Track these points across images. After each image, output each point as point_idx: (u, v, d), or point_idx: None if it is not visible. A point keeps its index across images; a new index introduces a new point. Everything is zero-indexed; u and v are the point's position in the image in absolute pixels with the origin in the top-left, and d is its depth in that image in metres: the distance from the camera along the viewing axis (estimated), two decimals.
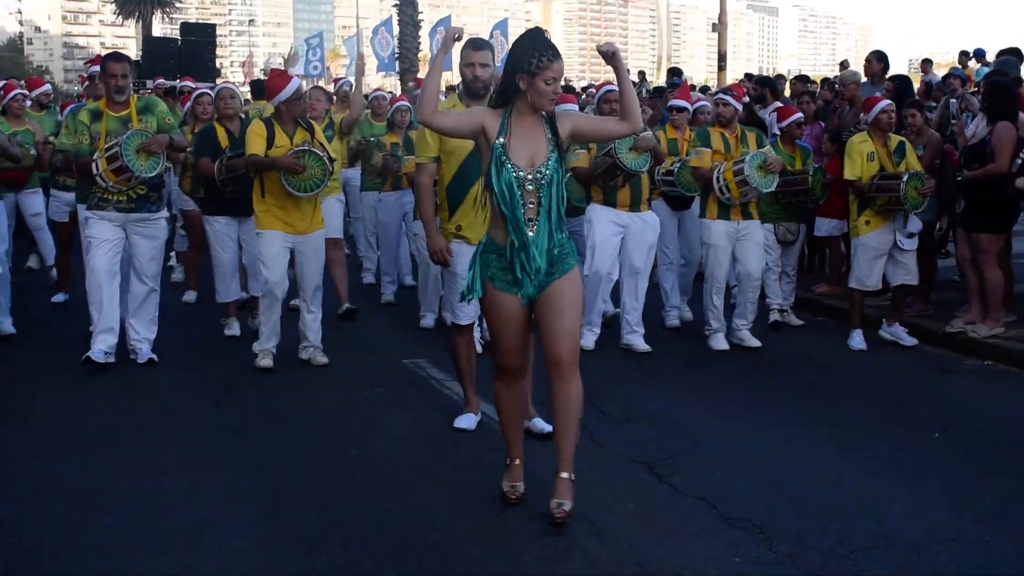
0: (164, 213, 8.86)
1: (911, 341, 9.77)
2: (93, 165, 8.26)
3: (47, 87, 13.64)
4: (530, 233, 5.33)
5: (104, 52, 9.72)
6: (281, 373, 8.43)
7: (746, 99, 12.69)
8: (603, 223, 9.30)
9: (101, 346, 8.42)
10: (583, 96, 19.20)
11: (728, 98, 9.77)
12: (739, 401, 7.94)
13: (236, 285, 9.85)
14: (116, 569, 4.91)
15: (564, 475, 5.45)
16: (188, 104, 11.56)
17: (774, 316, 10.48)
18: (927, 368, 9.16)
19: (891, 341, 9.82)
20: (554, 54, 5.30)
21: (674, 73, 19.80)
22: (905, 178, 9.31)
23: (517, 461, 5.75)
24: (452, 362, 7.10)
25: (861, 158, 9.58)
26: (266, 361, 8.54)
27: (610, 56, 5.43)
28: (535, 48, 5.29)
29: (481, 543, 5.22)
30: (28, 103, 11.80)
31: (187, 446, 6.68)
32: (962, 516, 5.66)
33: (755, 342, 9.61)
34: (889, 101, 9.79)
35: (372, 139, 11.47)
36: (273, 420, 7.28)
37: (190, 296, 11.53)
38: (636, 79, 29.36)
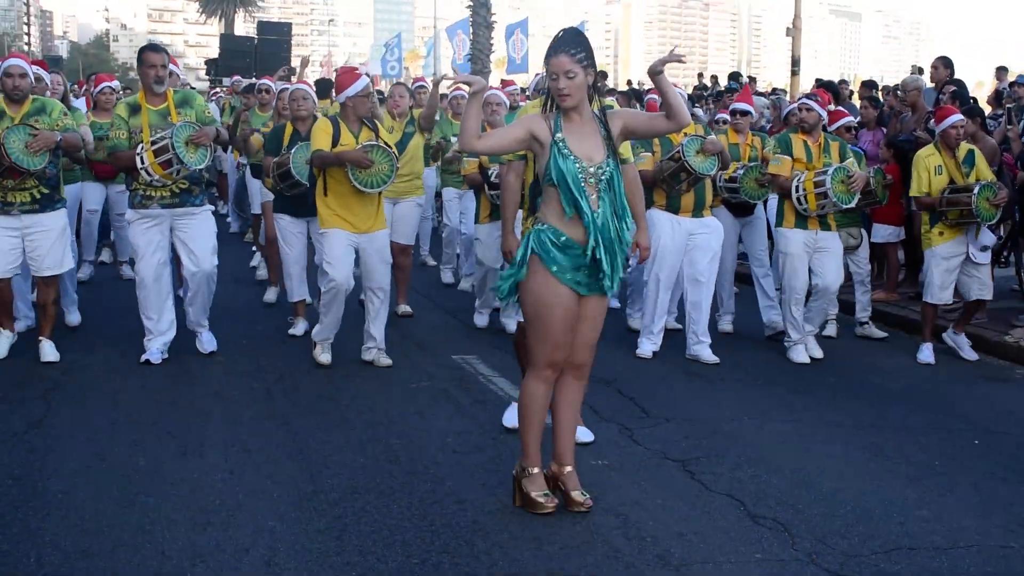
0: (208, 207, 8.79)
1: (972, 355, 9.60)
2: (138, 159, 8.18)
3: (115, 83, 13.52)
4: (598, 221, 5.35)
5: (187, 49, 9.81)
6: (334, 366, 8.56)
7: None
8: (666, 229, 9.13)
9: (156, 346, 8.54)
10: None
11: (812, 103, 9.41)
12: (780, 404, 7.99)
13: (304, 285, 9.81)
14: (154, 545, 5.08)
15: (569, 468, 5.65)
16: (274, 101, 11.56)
17: (829, 328, 10.34)
18: (977, 376, 9.14)
19: (951, 349, 9.74)
20: (556, 49, 5.36)
21: (734, 77, 19.78)
22: (976, 190, 9.07)
23: (536, 469, 5.63)
24: (516, 360, 6.95)
25: (928, 173, 9.32)
26: (325, 356, 8.56)
27: (655, 74, 5.52)
28: (549, 47, 5.44)
29: (508, 531, 5.34)
30: (116, 97, 11.82)
31: (233, 432, 6.87)
32: (989, 521, 5.68)
33: (819, 352, 9.40)
34: (960, 116, 9.50)
35: (452, 139, 11.44)
36: (319, 409, 7.45)
37: (271, 295, 11.28)
38: (708, 83, 29.30)
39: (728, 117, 10.41)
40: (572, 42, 5.39)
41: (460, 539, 5.22)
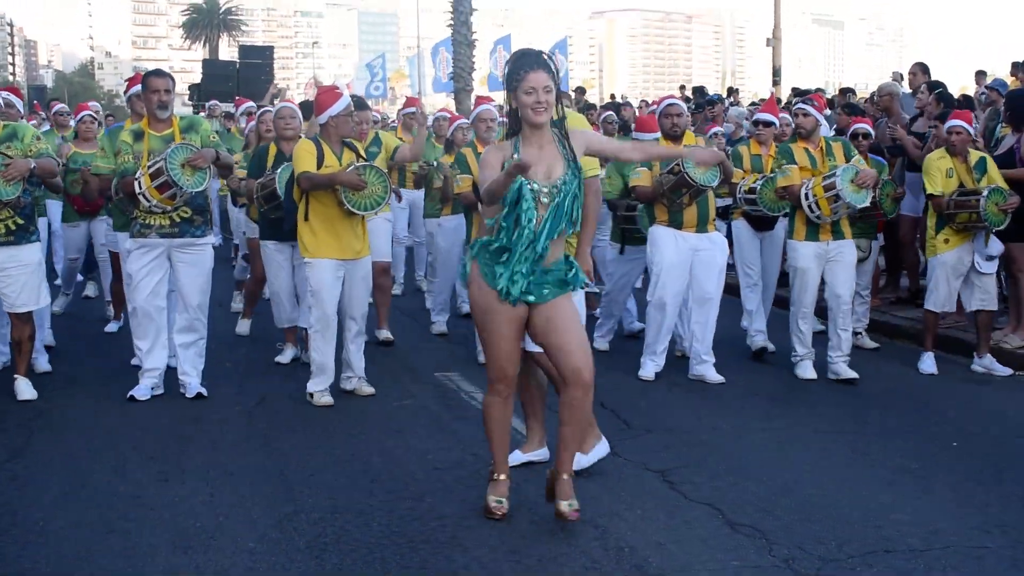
0: (211, 239, 8.39)
1: (1005, 371, 9.24)
2: (136, 183, 7.85)
3: (95, 105, 13.02)
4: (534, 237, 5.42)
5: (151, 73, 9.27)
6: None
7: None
8: (669, 246, 8.78)
9: (148, 382, 8.21)
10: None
11: (808, 108, 9.14)
12: (760, 412, 8.04)
13: (296, 311, 9.33)
14: (134, 570, 5.10)
15: (566, 477, 5.61)
16: (252, 124, 11.40)
17: (863, 340, 10.22)
18: (958, 378, 9.17)
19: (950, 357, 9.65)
20: (533, 66, 5.41)
21: (699, 93, 19.89)
22: (985, 193, 8.85)
23: (503, 476, 5.72)
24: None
25: (940, 174, 9.10)
26: (326, 399, 8.05)
27: None
28: (516, 65, 5.48)
29: (487, 545, 5.36)
30: (97, 125, 11.37)
31: (213, 455, 6.88)
32: (965, 523, 5.72)
33: (851, 373, 8.87)
34: (958, 121, 9.27)
35: (434, 163, 11.17)
36: (299, 429, 7.47)
37: (243, 327, 10.86)
38: (690, 95, 29.40)
39: (721, 130, 10.35)
40: (543, 58, 5.50)
41: (439, 554, 5.25)
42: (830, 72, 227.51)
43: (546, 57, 5.54)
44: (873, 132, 10.28)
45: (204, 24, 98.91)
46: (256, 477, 6.45)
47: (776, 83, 30.49)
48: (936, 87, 12.18)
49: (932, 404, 8.35)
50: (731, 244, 9.79)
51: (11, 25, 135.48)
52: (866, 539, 5.46)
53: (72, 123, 11.78)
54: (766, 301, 10.00)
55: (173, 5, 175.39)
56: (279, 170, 8.79)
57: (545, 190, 5.43)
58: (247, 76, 28.06)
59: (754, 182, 9.45)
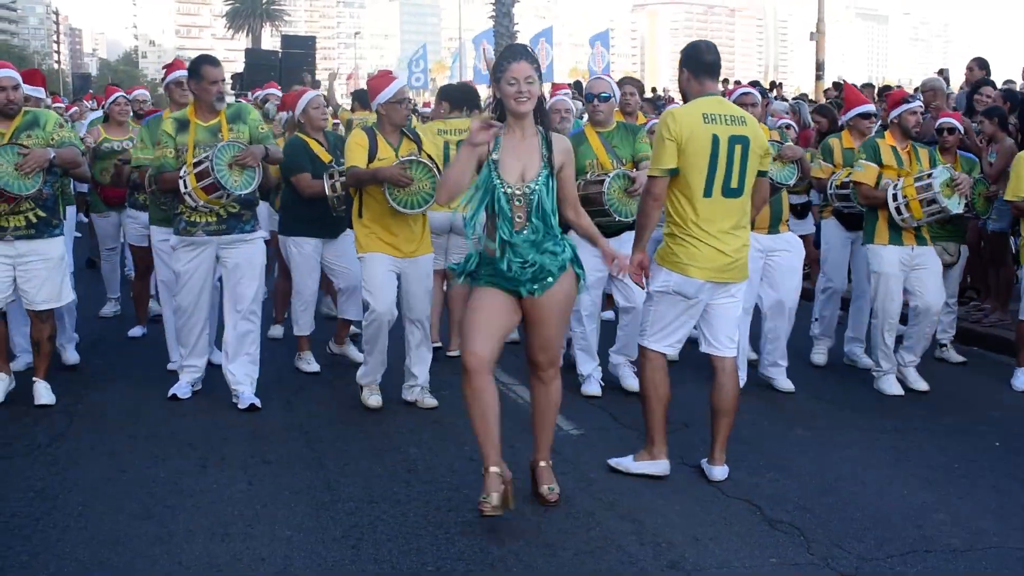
0: (261, 233, 7.97)
1: None
2: (181, 183, 7.41)
3: (143, 91, 12.20)
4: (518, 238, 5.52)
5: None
6: (354, 370, 8.33)
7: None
8: None
9: (188, 377, 7.96)
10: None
11: (915, 106, 8.50)
12: (801, 409, 7.99)
13: (313, 316, 8.99)
14: (171, 556, 5.13)
15: (544, 464, 5.86)
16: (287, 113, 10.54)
17: (946, 353, 9.71)
18: (1004, 377, 9.03)
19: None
20: (517, 57, 5.52)
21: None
22: None
23: (493, 468, 5.52)
24: (642, 398, 6.43)
25: None
26: (374, 399, 7.73)
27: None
28: (500, 57, 5.61)
29: (523, 538, 5.36)
30: (130, 109, 10.92)
31: (252, 444, 6.90)
32: (1008, 524, 5.66)
33: (923, 384, 8.48)
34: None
35: None
36: (338, 419, 7.49)
37: (276, 331, 10.18)
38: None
39: (790, 122, 9.84)
40: (528, 52, 5.62)
41: (474, 546, 5.24)
42: (873, 67, 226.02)
43: (529, 50, 5.67)
44: (962, 127, 9.68)
45: (247, 14, 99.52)
46: (294, 466, 6.47)
47: (819, 77, 30.30)
48: (985, 83, 12.07)
49: (975, 404, 8.25)
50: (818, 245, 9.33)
51: (56, 13, 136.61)
52: (906, 538, 5.41)
53: (106, 104, 11.01)
54: (860, 309, 9.31)
55: None
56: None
57: (519, 192, 5.53)
58: (289, 66, 28.16)
59: (847, 176, 8.84)
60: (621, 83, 9.00)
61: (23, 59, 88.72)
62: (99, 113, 13.07)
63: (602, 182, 7.77)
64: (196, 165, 7.39)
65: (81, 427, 7.28)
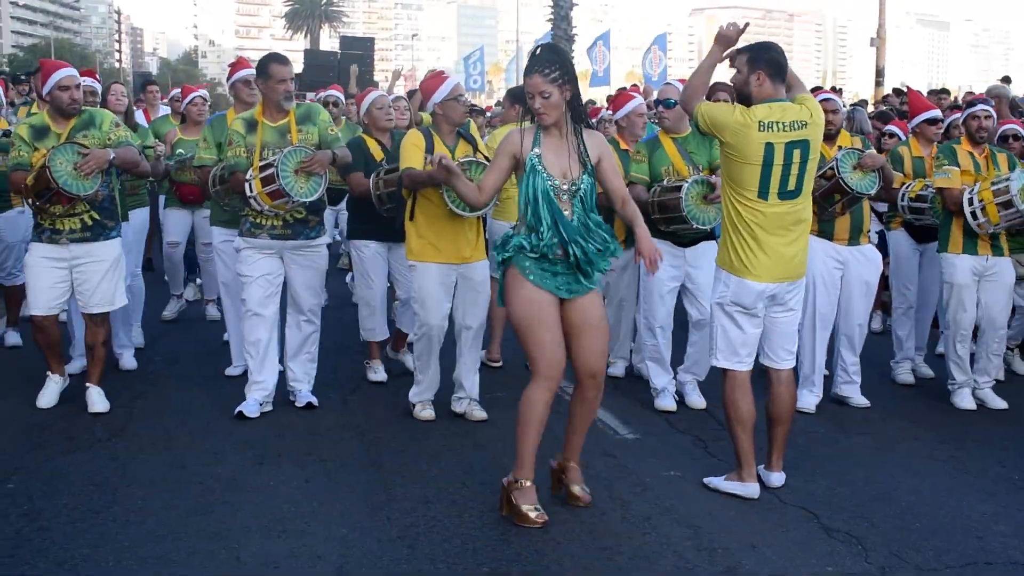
0: (325, 239, 7.77)
1: None
2: (246, 186, 7.22)
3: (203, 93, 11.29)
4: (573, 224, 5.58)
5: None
6: (410, 376, 8.22)
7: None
8: (819, 257, 7.71)
9: (256, 396, 7.55)
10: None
11: (991, 109, 8.29)
12: (858, 416, 7.90)
13: (384, 322, 8.68)
14: (228, 551, 5.17)
15: (573, 464, 5.91)
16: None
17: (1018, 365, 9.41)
18: None
19: None
20: (530, 69, 5.59)
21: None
22: None
23: (529, 483, 5.60)
24: (725, 419, 6.27)
25: None
26: (427, 412, 7.50)
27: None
28: (526, 66, 5.69)
29: (579, 540, 5.36)
30: (207, 108, 10.55)
31: (308, 442, 6.94)
32: None
33: (1000, 403, 8.17)
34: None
35: None
36: (394, 420, 7.50)
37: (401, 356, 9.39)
38: None
39: (896, 130, 9.58)
40: (545, 61, 5.59)
41: (530, 548, 5.25)
42: (933, 73, 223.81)
43: (551, 54, 5.71)
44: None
45: (306, 15, 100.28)
46: (350, 465, 6.50)
47: (879, 83, 30.06)
48: None
49: None
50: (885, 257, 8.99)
51: (119, 13, 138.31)
52: (966, 550, 5.36)
53: (183, 105, 10.73)
54: (922, 322, 9.13)
55: None
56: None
57: (564, 187, 5.60)
58: (348, 67, 28.24)
59: (921, 188, 8.53)
60: (713, 88, 8.67)
61: (84, 58, 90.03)
62: (166, 110, 13.13)
63: (679, 188, 7.50)
64: (262, 169, 7.18)
65: (140, 423, 7.36)
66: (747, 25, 6.01)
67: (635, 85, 23.60)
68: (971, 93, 17.36)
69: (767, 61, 5.98)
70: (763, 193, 5.88)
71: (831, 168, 7.64)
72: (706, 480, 6.19)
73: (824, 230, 7.85)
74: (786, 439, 6.25)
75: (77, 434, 7.01)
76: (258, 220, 7.40)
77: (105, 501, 5.78)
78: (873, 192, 7.80)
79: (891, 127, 10.36)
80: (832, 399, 8.19)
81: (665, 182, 7.69)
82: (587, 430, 5.92)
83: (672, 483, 6.26)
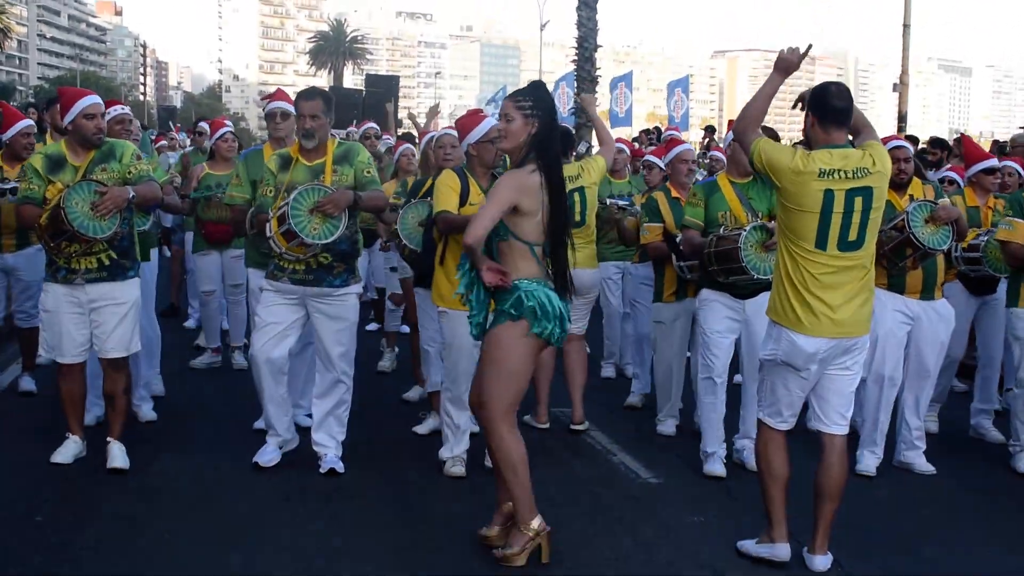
0: (355, 288, 7.13)
1: None
2: (267, 225, 6.80)
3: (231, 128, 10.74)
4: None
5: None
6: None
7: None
8: (888, 313, 7.35)
9: (272, 444, 7.16)
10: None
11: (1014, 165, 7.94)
12: (883, 464, 7.62)
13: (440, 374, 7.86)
14: None
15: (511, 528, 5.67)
16: (396, 154, 10.04)
17: None
18: None
19: None
20: (508, 95, 5.68)
21: (710, 131, 19.81)
22: None
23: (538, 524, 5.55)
24: (758, 475, 5.89)
25: None
26: (457, 469, 7.07)
27: None
28: None
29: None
30: (237, 145, 10.16)
31: (334, 479, 6.92)
32: None
33: None
34: None
35: (625, 202, 9.29)
36: (421, 457, 7.47)
37: (412, 394, 9.27)
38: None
39: (956, 177, 9.19)
40: (524, 91, 5.64)
41: None
42: (955, 119, 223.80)
43: (530, 88, 5.73)
44: None
45: (330, 51, 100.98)
46: (375, 503, 6.53)
47: (901, 129, 30.05)
48: None
49: None
50: None
51: (144, 46, 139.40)
52: None
53: (211, 141, 10.38)
54: (988, 379, 8.66)
55: (301, 32, 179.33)
56: (403, 209, 7.69)
57: None
58: (372, 104, 28.43)
59: (975, 237, 8.04)
60: None
61: (110, 90, 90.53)
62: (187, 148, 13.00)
63: (738, 237, 6.94)
64: (279, 208, 6.72)
65: (167, 454, 7.38)
66: (810, 47, 5.66)
67: (657, 127, 23.72)
68: (996, 142, 17.33)
69: (815, 102, 5.56)
70: (821, 244, 5.44)
71: (902, 220, 7.15)
72: (739, 544, 5.84)
73: (894, 283, 7.44)
74: (834, 518, 5.69)
75: (104, 464, 6.90)
76: (281, 263, 6.95)
77: (131, 534, 5.81)
78: (947, 248, 7.31)
79: (949, 173, 9.96)
80: (895, 465, 7.69)
81: (721, 230, 7.23)
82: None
83: (696, 528, 6.26)
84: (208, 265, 10.11)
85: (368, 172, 7.03)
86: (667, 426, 8.36)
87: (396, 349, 10.62)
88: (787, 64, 5.62)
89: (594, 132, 9.94)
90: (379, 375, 10.24)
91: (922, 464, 7.58)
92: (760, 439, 5.79)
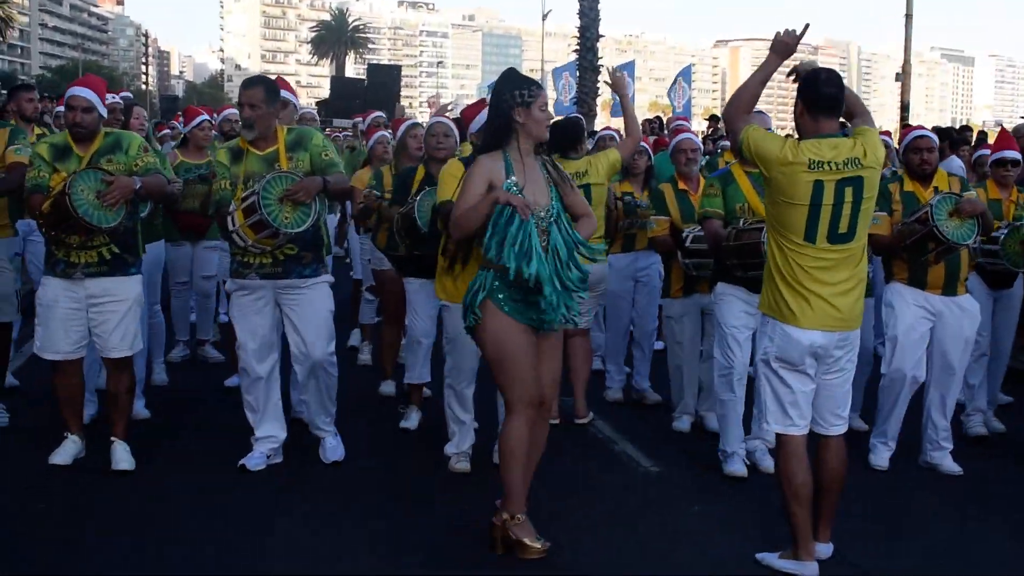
0: (325, 277, 6.92)
1: None
2: (228, 220, 6.53)
3: (232, 111, 10.39)
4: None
5: (299, 90, 8.10)
6: (435, 399, 8.04)
7: None
8: (908, 309, 7.16)
9: (262, 448, 6.94)
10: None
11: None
12: (934, 483, 7.28)
13: (427, 367, 7.97)
14: None
15: (521, 517, 5.48)
16: (371, 141, 9.87)
17: None
18: None
19: None
20: (538, 86, 5.60)
21: (715, 120, 19.53)
22: None
23: (523, 516, 5.45)
24: (782, 493, 5.49)
25: None
26: (461, 465, 6.95)
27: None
28: (519, 83, 5.59)
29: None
30: (213, 134, 9.88)
31: (333, 472, 6.89)
32: None
33: None
34: None
35: (631, 198, 8.91)
36: (422, 450, 7.43)
37: (388, 388, 8.93)
38: None
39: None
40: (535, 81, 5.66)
41: None
42: (957, 109, 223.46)
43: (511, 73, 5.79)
44: None
45: (332, 40, 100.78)
46: (377, 496, 6.50)
47: (904, 118, 30.03)
48: None
49: None
50: None
51: (146, 36, 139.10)
52: None
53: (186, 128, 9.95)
54: (994, 372, 8.46)
55: (303, 21, 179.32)
56: (420, 196, 7.27)
57: (541, 215, 5.45)
58: (374, 94, 28.47)
59: (995, 230, 7.64)
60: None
61: (112, 79, 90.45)
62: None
63: (760, 230, 6.54)
64: (244, 199, 6.47)
65: (165, 452, 7.24)
66: (807, 27, 5.48)
67: (658, 116, 23.66)
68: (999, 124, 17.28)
69: (804, 89, 5.40)
70: (810, 236, 5.25)
71: (925, 212, 6.88)
72: (759, 556, 5.56)
73: (915, 278, 7.19)
74: (836, 507, 5.59)
75: (102, 466, 6.75)
76: (245, 259, 6.69)
77: (130, 538, 5.73)
78: (971, 243, 6.98)
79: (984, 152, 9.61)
80: (921, 466, 7.42)
81: (740, 223, 6.96)
82: (532, 469, 5.61)
83: (695, 517, 6.25)
84: (180, 257, 9.62)
85: (326, 155, 6.78)
86: (683, 423, 8.13)
87: (371, 344, 10.33)
88: (784, 46, 5.47)
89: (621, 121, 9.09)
90: (363, 368, 9.96)
91: (949, 464, 7.28)
92: (779, 455, 5.50)
